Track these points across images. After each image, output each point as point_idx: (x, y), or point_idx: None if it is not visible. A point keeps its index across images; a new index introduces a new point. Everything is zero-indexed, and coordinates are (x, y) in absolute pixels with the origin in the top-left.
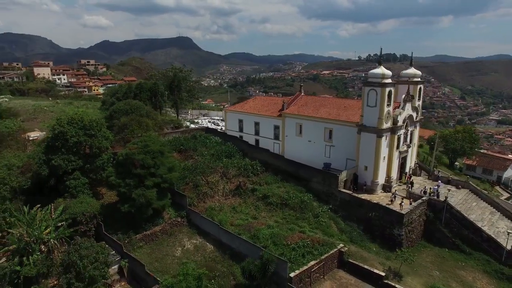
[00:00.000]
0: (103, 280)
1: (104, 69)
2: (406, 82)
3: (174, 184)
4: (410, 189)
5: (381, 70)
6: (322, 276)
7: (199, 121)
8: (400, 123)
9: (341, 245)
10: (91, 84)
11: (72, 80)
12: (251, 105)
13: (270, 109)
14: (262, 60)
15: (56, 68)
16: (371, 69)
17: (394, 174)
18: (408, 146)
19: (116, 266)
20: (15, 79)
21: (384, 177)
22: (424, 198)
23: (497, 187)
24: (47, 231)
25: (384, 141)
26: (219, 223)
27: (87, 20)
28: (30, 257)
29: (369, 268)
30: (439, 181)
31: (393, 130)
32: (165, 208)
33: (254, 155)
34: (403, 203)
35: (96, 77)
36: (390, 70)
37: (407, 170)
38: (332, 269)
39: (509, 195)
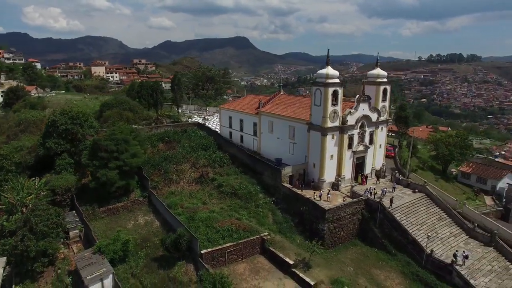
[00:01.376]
0: (61, 239)
1: (153, 68)
2: (373, 83)
3: (136, 167)
4: (353, 188)
5: (326, 70)
6: (240, 259)
7: (195, 117)
8: (350, 123)
9: (266, 233)
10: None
11: (123, 77)
12: (240, 103)
13: (253, 107)
14: (319, 60)
15: (110, 67)
16: (433, 71)
17: (347, 174)
18: (367, 147)
19: (77, 230)
20: (75, 77)
21: (334, 176)
22: (361, 197)
23: (488, 197)
24: (30, 197)
25: (331, 140)
26: (166, 205)
27: (153, 21)
28: (13, 216)
29: (282, 256)
30: (394, 183)
31: (343, 129)
32: (133, 188)
33: (227, 149)
34: (329, 195)
35: (145, 75)
36: (452, 71)
37: (368, 171)
38: (254, 254)
39: (494, 205)
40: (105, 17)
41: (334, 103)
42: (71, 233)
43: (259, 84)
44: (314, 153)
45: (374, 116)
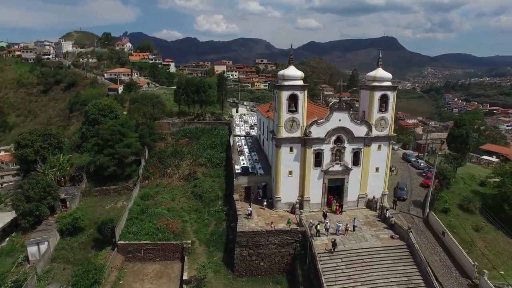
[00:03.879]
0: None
1: (274, 67)
2: (367, 88)
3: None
4: (300, 215)
5: (284, 70)
6: (158, 259)
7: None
8: (317, 135)
9: (189, 242)
10: (254, 80)
11: (242, 76)
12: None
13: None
14: (485, 62)
15: (232, 66)
16: None
17: (315, 197)
18: (347, 168)
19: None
20: (199, 74)
21: (294, 196)
22: (296, 229)
23: None
24: (54, 169)
25: (288, 153)
26: (138, 195)
27: (300, 23)
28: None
29: (185, 269)
30: (355, 221)
31: (306, 142)
32: (132, 175)
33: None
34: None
35: (264, 74)
36: None
37: (352, 198)
38: (174, 259)
39: None
40: (258, 20)
41: (293, 110)
42: (68, 204)
43: (400, 88)
44: (273, 166)
45: (360, 130)
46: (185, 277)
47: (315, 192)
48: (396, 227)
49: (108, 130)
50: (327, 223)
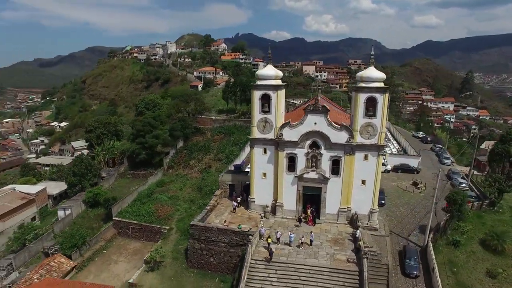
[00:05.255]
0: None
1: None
2: (354, 89)
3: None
4: (261, 218)
5: (260, 70)
6: (142, 239)
7: None
8: (289, 138)
9: (167, 227)
10: (344, 81)
11: (331, 77)
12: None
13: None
14: None
15: (321, 66)
16: None
17: (288, 203)
18: (324, 177)
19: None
20: (286, 74)
21: (269, 199)
22: (245, 231)
23: None
24: (103, 152)
25: (262, 154)
26: (156, 181)
27: (416, 20)
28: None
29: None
30: (312, 234)
31: (279, 145)
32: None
33: None
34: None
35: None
36: None
37: (331, 211)
38: (154, 241)
39: None
40: (369, 18)
41: (266, 110)
42: (104, 181)
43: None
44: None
45: (339, 136)
46: (145, 257)
47: (289, 198)
48: (361, 250)
49: (141, 122)
50: (277, 231)
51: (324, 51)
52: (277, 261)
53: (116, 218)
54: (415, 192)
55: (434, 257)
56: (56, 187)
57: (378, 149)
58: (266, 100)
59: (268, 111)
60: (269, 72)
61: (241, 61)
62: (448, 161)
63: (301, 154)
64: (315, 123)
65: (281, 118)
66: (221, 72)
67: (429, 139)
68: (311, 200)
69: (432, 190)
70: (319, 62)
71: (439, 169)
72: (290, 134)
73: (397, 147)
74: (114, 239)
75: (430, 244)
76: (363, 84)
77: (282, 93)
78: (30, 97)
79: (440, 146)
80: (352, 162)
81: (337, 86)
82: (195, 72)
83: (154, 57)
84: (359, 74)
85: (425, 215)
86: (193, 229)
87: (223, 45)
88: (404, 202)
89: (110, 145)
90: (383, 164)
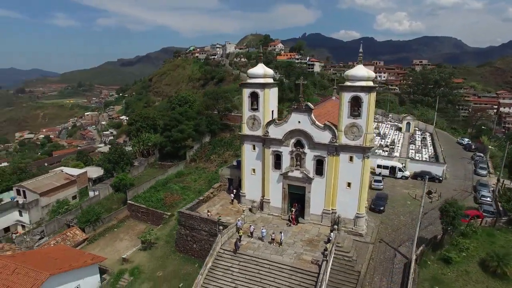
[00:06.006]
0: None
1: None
2: (340, 88)
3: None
4: (242, 213)
5: (250, 69)
6: (149, 222)
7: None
8: (274, 136)
9: (168, 214)
10: (402, 82)
11: (392, 78)
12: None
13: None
14: None
15: (381, 66)
16: None
17: (274, 200)
18: (307, 177)
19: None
20: (341, 74)
21: (258, 195)
22: (223, 222)
23: None
24: (139, 144)
25: (251, 151)
26: (175, 172)
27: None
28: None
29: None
30: (281, 233)
31: (265, 142)
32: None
33: None
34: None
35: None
36: None
37: (316, 211)
38: (159, 224)
39: None
40: (449, 14)
41: (255, 108)
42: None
43: None
44: None
45: (322, 136)
46: (141, 237)
47: (275, 196)
48: (324, 253)
49: (168, 117)
50: (251, 225)
51: (394, 51)
52: (243, 253)
53: (130, 202)
54: (431, 201)
55: (412, 270)
56: (96, 172)
57: (363, 151)
58: (254, 98)
59: (257, 109)
60: (257, 71)
61: (296, 61)
62: (484, 172)
63: (286, 152)
64: (299, 122)
65: (270, 116)
66: (275, 72)
67: (473, 146)
68: (297, 199)
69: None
70: (379, 62)
71: (425, 176)
72: (275, 132)
73: (430, 154)
74: (126, 220)
75: (414, 257)
76: (348, 83)
77: (271, 91)
78: (110, 94)
79: (481, 155)
80: (337, 163)
81: (396, 87)
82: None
83: (213, 56)
84: (346, 72)
85: (426, 227)
86: (181, 216)
87: (280, 45)
88: (408, 211)
89: (145, 137)
90: (400, 170)
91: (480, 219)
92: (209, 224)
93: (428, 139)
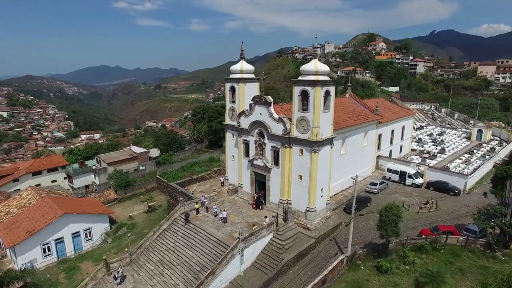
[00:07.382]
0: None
1: None
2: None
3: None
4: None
5: (232, 66)
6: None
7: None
8: (243, 126)
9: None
10: None
11: None
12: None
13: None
14: None
15: (507, 66)
16: None
17: (246, 185)
18: (267, 167)
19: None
20: (450, 76)
21: (236, 180)
22: (192, 196)
23: None
24: (191, 132)
25: (231, 139)
26: (207, 158)
27: None
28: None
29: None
30: (223, 212)
31: (239, 131)
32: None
33: None
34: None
35: None
36: None
37: (274, 200)
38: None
39: None
40: None
41: (233, 100)
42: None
43: None
44: None
45: (277, 128)
46: (150, 203)
47: (246, 181)
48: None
49: (211, 109)
50: (205, 201)
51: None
52: (192, 223)
53: (158, 176)
54: (419, 212)
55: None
56: (156, 152)
57: (311, 145)
58: (233, 92)
59: (234, 101)
60: (235, 67)
61: (397, 60)
62: None
63: (252, 142)
64: (261, 114)
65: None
66: (365, 72)
67: None
68: (262, 186)
69: (444, 214)
70: (506, 61)
71: (354, 177)
72: (245, 122)
73: (475, 167)
74: (152, 191)
75: (345, 259)
76: (300, 77)
77: (247, 86)
78: None
79: None
80: (290, 155)
81: None
82: (338, 72)
83: (310, 56)
84: (301, 67)
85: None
86: (165, 185)
87: (381, 44)
88: None
89: (200, 127)
90: (410, 176)
91: (453, 236)
92: (182, 195)
93: (501, 151)
